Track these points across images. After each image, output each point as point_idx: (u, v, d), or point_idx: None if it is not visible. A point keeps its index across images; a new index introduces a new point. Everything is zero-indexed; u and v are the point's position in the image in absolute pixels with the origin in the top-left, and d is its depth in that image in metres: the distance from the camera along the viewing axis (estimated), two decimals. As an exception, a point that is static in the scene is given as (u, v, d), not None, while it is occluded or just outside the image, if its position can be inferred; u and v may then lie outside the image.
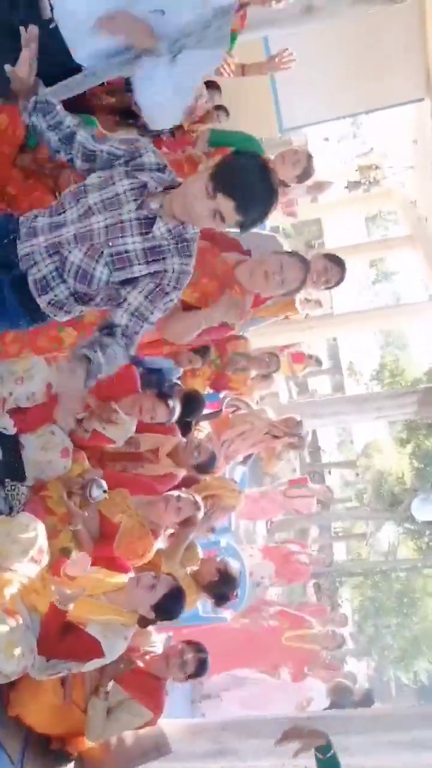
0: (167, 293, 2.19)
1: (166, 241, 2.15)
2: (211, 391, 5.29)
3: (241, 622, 6.34)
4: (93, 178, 2.20)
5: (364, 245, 15.78)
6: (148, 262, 2.15)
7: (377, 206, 18.16)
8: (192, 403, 4.48)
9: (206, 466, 4.48)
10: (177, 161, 3.80)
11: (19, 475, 3.38)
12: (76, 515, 3.37)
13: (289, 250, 3.22)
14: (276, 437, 5.59)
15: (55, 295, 2.22)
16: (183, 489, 3.98)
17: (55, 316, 2.28)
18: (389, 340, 26.33)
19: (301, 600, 10.52)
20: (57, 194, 3.09)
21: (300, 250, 4.75)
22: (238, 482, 5.63)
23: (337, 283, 3.90)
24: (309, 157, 3.97)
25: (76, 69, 2.54)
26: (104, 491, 3.44)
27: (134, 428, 3.96)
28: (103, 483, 3.44)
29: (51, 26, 2.43)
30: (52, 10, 2.43)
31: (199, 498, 3.80)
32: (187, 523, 3.77)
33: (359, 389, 19.26)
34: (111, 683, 3.34)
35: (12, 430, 3.37)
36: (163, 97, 2.50)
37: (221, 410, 5.51)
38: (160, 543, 3.86)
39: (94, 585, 3.10)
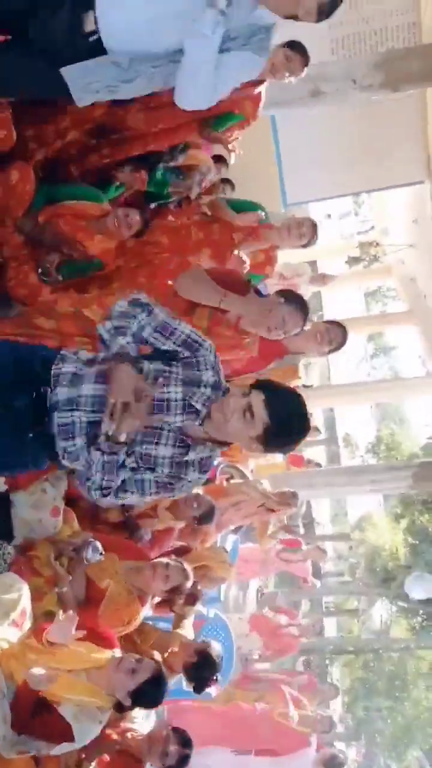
0: (173, 493, 2.28)
1: (191, 461, 2.22)
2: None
3: (227, 696, 6.11)
4: (148, 367, 2.18)
5: (363, 319, 16.03)
6: (171, 468, 2.20)
7: (377, 282, 18.52)
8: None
9: (206, 518, 4.42)
10: (185, 226, 3.90)
11: (6, 533, 3.32)
12: (62, 578, 3.29)
13: (287, 294, 3.19)
14: (270, 510, 5.53)
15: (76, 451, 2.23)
16: (174, 558, 3.91)
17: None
18: (386, 414, 26.39)
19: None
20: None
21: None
22: (230, 551, 5.53)
23: (340, 345, 3.92)
24: (314, 225, 4.06)
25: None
26: (100, 554, 3.37)
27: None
28: (99, 545, 3.38)
29: (92, 39, 2.45)
30: (96, 21, 2.43)
31: (188, 566, 3.73)
32: (175, 592, 3.69)
33: (355, 461, 19.18)
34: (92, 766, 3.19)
35: (2, 487, 3.33)
36: (204, 79, 2.52)
37: (215, 477, 5.46)
38: (147, 610, 3.77)
39: (74, 660, 2.98)
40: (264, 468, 7.71)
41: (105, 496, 2.23)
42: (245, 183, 5.85)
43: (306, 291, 8.26)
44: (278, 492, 5.67)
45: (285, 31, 7.79)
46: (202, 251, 3.63)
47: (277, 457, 9.65)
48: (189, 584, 3.71)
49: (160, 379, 2.15)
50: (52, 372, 2.24)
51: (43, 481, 3.42)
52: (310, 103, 5.51)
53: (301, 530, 15.34)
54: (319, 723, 6.55)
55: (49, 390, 2.21)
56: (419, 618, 15.52)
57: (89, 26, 2.40)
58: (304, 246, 4.19)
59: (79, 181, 3.56)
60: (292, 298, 3.11)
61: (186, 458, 2.19)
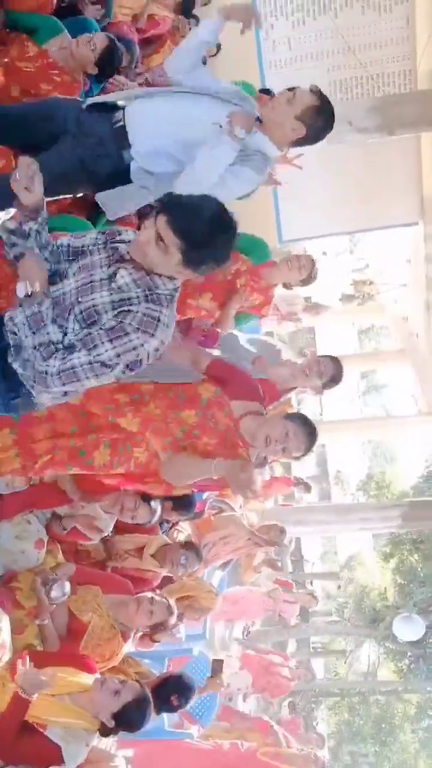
0: (127, 333, 2.11)
1: (133, 292, 2.14)
2: (195, 490, 5.22)
3: (208, 733, 5.97)
4: (73, 267, 2.26)
5: (355, 356, 16.11)
6: (115, 313, 2.13)
7: (370, 320, 18.65)
8: (182, 501, 4.39)
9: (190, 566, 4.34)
10: None
11: (-12, 564, 3.28)
12: (44, 609, 3.23)
13: (301, 416, 3.04)
14: (258, 545, 5.48)
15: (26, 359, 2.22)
16: (157, 590, 3.86)
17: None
18: (377, 452, 26.34)
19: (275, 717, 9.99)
20: None
21: (292, 356, 4.79)
22: (216, 587, 5.46)
23: (334, 379, 3.87)
24: (313, 262, 4.08)
25: (126, 171, 2.95)
26: (64, 594, 3.29)
27: (112, 526, 3.88)
28: (67, 585, 3.31)
29: (116, 125, 2.91)
30: (123, 115, 2.92)
31: (172, 602, 3.68)
32: (158, 628, 3.63)
33: (345, 498, 19.10)
34: None
35: (-14, 517, 3.30)
36: (201, 185, 2.70)
37: (203, 511, 5.42)
38: (129, 646, 3.70)
39: (58, 684, 2.93)
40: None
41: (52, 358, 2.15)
42: (242, 218, 5.89)
43: (300, 322, 8.32)
44: (266, 527, 5.62)
45: (286, 72, 7.91)
46: (203, 295, 3.64)
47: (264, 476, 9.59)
48: (173, 620, 3.66)
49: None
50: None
51: (28, 513, 3.39)
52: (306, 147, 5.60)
53: (290, 567, 15.21)
54: (309, 762, 6.37)
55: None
56: (407, 660, 15.31)
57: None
58: (304, 283, 4.21)
59: (69, 212, 3.57)
60: (300, 418, 2.96)
61: (123, 294, 2.12)
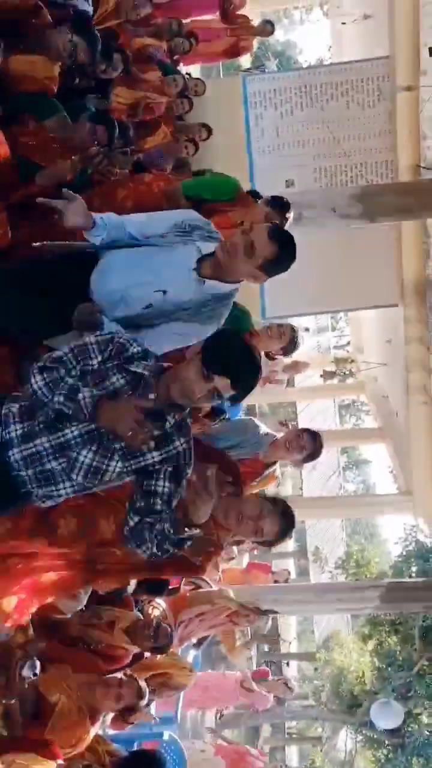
0: (185, 470, 2.34)
1: (170, 429, 2.29)
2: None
3: None
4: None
5: (336, 433, 16.15)
6: (159, 449, 2.26)
7: (351, 396, 18.84)
8: (155, 582, 4.32)
9: (163, 649, 4.27)
10: None
11: None
12: (14, 688, 3.13)
13: (278, 499, 3.06)
14: (235, 624, 5.38)
15: (57, 489, 2.28)
16: (128, 670, 3.76)
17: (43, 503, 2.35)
18: (357, 529, 26.14)
19: None
20: None
21: (273, 426, 4.82)
22: (191, 664, 5.31)
23: (313, 453, 3.88)
24: (293, 330, 4.15)
25: None
26: (35, 674, 3.20)
27: (85, 600, 3.80)
28: (37, 664, 3.22)
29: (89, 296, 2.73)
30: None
31: (143, 683, 3.58)
32: (128, 710, 3.51)
33: (323, 576, 18.80)
34: None
35: None
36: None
37: (179, 588, 5.32)
38: (98, 729, 3.57)
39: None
40: (227, 578, 7.54)
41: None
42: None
43: (281, 380, 8.38)
44: (245, 606, 5.52)
45: (274, 158, 8.21)
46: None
47: (242, 563, 9.47)
48: (143, 703, 3.55)
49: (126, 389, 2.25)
50: (2, 412, 2.27)
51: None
52: (291, 227, 5.79)
53: (266, 647, 14.83)
54: None
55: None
56: (385, 750, 14.78)
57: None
58: (285, 352, 4.26)
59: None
60: (278, 502, 2.96)
61: (166, 428, 2.26)
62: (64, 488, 2.27)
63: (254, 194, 4.16)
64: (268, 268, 2.67)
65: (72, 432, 2.22)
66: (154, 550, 2.27)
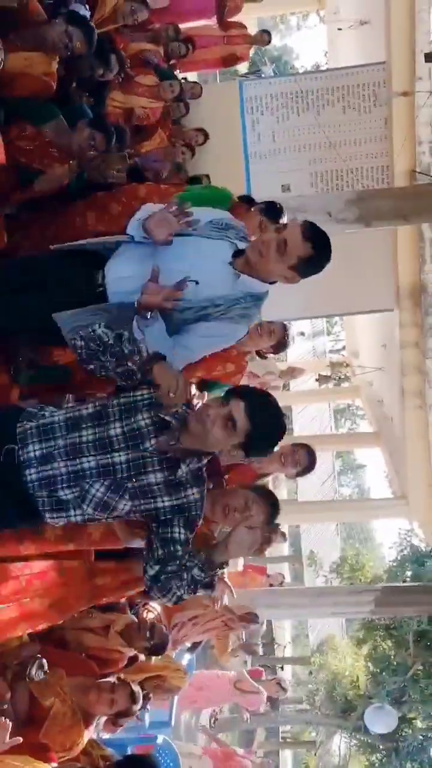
0: (196, 521, 2.31)
1: (185, 476, 2.27)
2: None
3: None
4: (114, 404, 2.30)
5: (331, 437, 16.18)
6: (170, 495, 2.26)
7: (346, 400, 18.88)
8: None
9: (158, 650, 4.23)
10: None
11: None
12: (3, 693, 3.12)
13: (262, 487, 3.08)
14: (228, 627, 5.37)
15: (68, 516, 2.29)
16: (121, 674, 3.75)
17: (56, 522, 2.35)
18: (352, 533, 26.17)
19: None
20: None
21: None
22: (185, 666, 5.30)
23: (307, 467, 3.89)
24: (284, 327, 4.14)
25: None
26: (45, 673, 3.21)
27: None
28: (45, 663, 3.22)
29: (99, 290, 2.64)
30: (103, 278, 2.64)
31: (137, 688, 3.57)
32: (121, 715, 3.51)
33: (318, 580, 18.80)
34: None
35: None
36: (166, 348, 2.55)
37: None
38: (92, 733, 3.56)
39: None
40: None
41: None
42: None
43: (277, 387, 8.40)
44: (238, 608, 5.52)
45: (270, 163, 8.24)
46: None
47: (238, 565, 9.46)
48: (136, 707, 3.54)
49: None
50: (18, 430, 2.27)
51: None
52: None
53: (261, 651, 14.81)
54: None
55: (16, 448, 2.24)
56: (379, 755, 14.76)
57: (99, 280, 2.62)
58: (276, 350, 4.25)
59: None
60: (260, 489, 2.97)
61: (178, 475, 2.23)
62: (74, 515, 2.27)
63: (248, 199, 4.15)
64: (301, 269, 2.55)
65: (89, 462, 2.22)
66: (184, 596, 2.28)
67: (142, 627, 4.16)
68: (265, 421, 2.19)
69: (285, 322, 4.30)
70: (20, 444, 2.25)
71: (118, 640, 4.08)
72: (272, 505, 2.84)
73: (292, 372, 8.15)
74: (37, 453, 2.24)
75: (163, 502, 2.25)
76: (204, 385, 3.54)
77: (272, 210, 3.71)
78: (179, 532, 2.27)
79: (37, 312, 2.61)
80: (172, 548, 2.27)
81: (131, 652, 4.15)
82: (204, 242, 2.59)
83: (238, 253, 2.60)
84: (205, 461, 2.31)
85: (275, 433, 2.29)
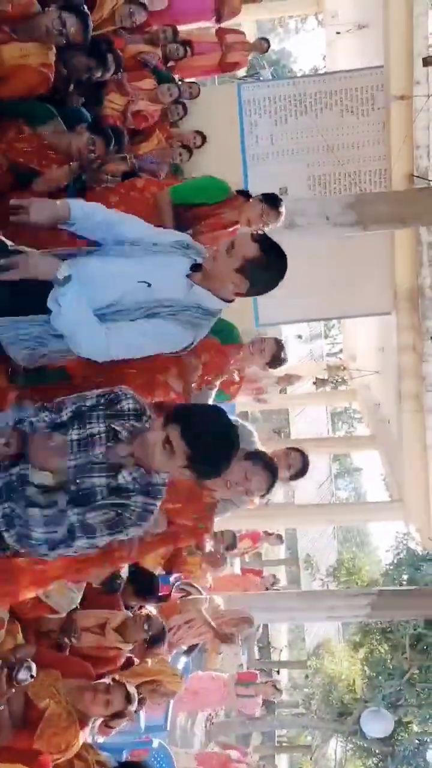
0: (126, 527, 2.21)
1: (131, 485, 2.22)
2: (162, 572, 5.13)
3: None
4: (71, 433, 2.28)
5: (328, 440, 16.17)
6: (113, 503, 2.21)
7: (343, 403, 18.87)
8: (145, 583, 4.32)
9: (157, 641, 4.28)
10: None
11: None
12: (2, 694, 3.10)
13: (255, 452, 3.08)
14: (215, 635, 5.38)
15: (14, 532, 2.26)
16: (117, 675, 3.74)
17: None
18: (348, 536, 26.15)
19: None
20: None
21: (267, 435, 4.84)
22: (181, 670, 5.30)
23: (300, 471, 3.90)
24: (278, 343, 4.14)
25: None
26: (32, 676, 3.19)
27: (79, 598, 3.78)
28: (33, 666, 3.20)
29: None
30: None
31: (132, 688, 3.56)
32: (117, 716, 3.50)
33: (315, 583, 18.79)
34: None
35: None
36: (98, 339, 2.50)
37: (170, 594, 5.31)
38: (87, 734, 3.55)
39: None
40: (221, 584, 7.53)
41: (54, 549, 2.21)
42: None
43: (273, 393, 8.40)
44: (233, 613, 5.52)
45: (268, 166, 8.26)
46: (169, 370, 3.67)
47: (235, 569, 9.46)
48: (132, 709, 3.53)
49: None
50: None
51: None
52: (285, 234, 5.81)
53: (257, 655, 14.79)
54: None
55: None
56: (375, 759, 14.74)
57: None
58: (270, 366, 4.26)
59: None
60: (257, 457, 2.99)
61: (119, 482, 2.18)
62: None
63: (245, 193, 4.18)
64: (249, 272, 2.51)
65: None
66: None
67: (138, 619, 4.17)
68: (205, 443, 2.12)
69: (278, 339, 4.32)
70: None
71: (116, 636, 4.09)
72: (270, 472, 2.89)
73: (289, 379, 8.15)
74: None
75: (105, 501, 2.21)
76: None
77: (272, 198, 3.76)
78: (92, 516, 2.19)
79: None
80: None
81: (129, 647, 4.18)
82: (164, 256, 2.60)
83: (196, 267, 2.60)
84: (158, 479, 2.25)
85: (218, 455, 2.18)
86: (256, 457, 2.96)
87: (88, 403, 2.31)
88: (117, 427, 2.24)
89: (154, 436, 2.15)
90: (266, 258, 2.51)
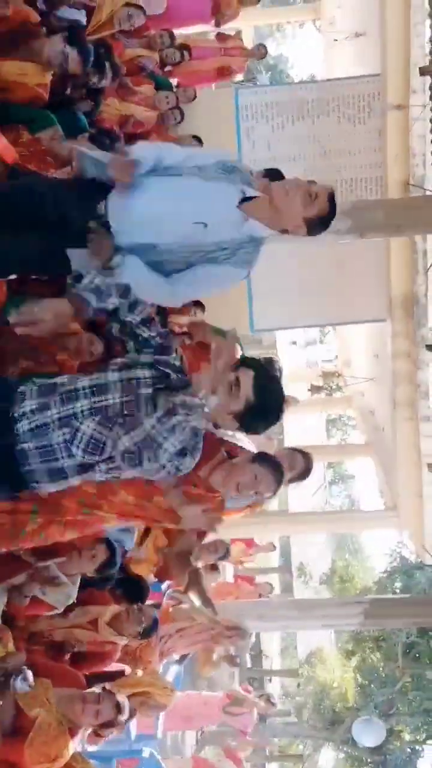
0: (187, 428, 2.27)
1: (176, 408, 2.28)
2: (155, 580, 5.08)
3: None
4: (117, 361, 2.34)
5: (322, 448, 16.15)
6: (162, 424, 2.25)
7: (338, 410, 18.88)
8: (135, 590, 4.30)
9: (149, 632, 4.29)
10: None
11: None
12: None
13: (264, 455, 3.11)
14: (217, 639, 5.34)
15: (59, 466, 2.25)
16: (108, 686, 3.70)
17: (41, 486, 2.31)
18: (342, 544, 26.12)
19: None
20: None
21: (260, 441, 4.82)
22: (172, 681, 5.26)
23: (302, 473, 3.84)
24: (272, 362, 4.14)
25: None
26: (30, 686, 3.15)
27: (76, 593, 3.75)
28: (30, 675, 3.17)
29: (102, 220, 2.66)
30: (105, 207, 2.66)
31: (122, 698, 3.52)
32: (106, 726, 3.46)
33: (308, 592, 18.76)
34: None
35: None
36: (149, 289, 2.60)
37: (161, 603, 5.27)
38: (77, 744, 3.51)
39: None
40: (217, 590, 7.49)
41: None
42: (215, 307, 6.04)
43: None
44: (227, 622, 5.48)
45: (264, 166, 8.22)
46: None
47: (227, 575, 9.42)
48: (123, 718, 3.49)
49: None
50: (20, 389, 2.29)
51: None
52: (280, 240, 5.80)
53: (249, 663, 14.73)
54: None
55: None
56: (366, 767, 14.70)
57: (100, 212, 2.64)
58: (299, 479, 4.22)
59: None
60: (265, 459, 3.03)
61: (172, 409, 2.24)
62: (62, 463, 2.25)
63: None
64: (313, 225, 2.63)
65: (82, 405, 2.23)
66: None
67: (130, 612, 4.19)
68: (269, 397, 2.23)
69: (274, 358, 4.31)
70: (18, 401, 2.26)
71: (109, 630, 4.10)
72: (278, 473, 2.94)
73: (285, 402, 8.17)
74: (34, 406, 2.25)
75: (152, 426, 2.24)
76: None
77: (274, 173, 3.76)
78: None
79: (38, 250, 2.67)
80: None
81: (124, 641, 4.19)
82: (213, 185, 2.63)
83: (247, 199, 2.65)
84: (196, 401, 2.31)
85: (274, 413, 2.30)
86: (264, 458, 3.00)
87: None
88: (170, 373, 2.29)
89: (224, 377, 2.21)
90: (330, 216, 2.66)
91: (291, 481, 3.85)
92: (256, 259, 2.75)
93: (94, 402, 2.23)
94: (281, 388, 2.32)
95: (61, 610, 3.73)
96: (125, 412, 2.22)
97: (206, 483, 2.85)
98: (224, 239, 2.61)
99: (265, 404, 2.24)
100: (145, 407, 2.24)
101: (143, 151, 2.71)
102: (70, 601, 3.72)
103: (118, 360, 2.37)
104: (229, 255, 2.62)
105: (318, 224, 2.65)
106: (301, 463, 3.80)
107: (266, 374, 2.26)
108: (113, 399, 2.24)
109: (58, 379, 2.32)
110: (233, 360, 2.34)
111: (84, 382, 2.27)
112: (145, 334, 2.33)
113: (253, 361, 2.35)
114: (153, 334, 2.33)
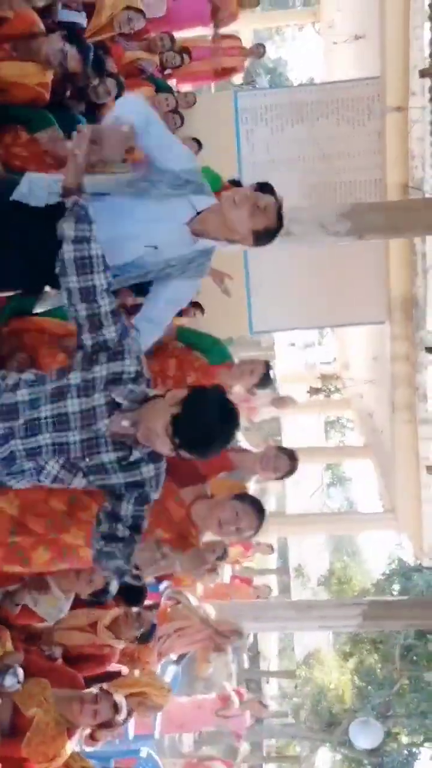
0: (151, 495, 2.32)
1: (140, 455, 2.26)
2: (153, 580, 5.10)
3: None
4: (76, 378, 2.27)
5: (320, 450, 16.17)
6: (125, 472, 2.27)
7: (336, 412, 18.88)
8: (133, 593, 4.31)
9: (147, 637, 4.34)
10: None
11: None
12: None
13: (248, 495, 3.18)
14: (213, 641, 5.35)
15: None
16: (106, 686, 3.71)
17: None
18: (339, 546, 26.09)
19: None
20: None
21: (258, 443, 4.84)
22: (170, 683, 5.26)
23: (286, 474, 3.90)
24: (266, 364, 4.15)
25: None
26: (19, 682, 3.15)
27: (68, 608, 3.75)
28: (20, 672, 3.17)
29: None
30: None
31: (120, 698, 3.53)
32: (104, 726, 3.47)
33: (305, 593, 18.76)
34: None
35: None
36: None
37: (159, 603, 5.28)
38: (75, 744, 3.51)
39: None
40: (210, 592, 7.48)
41: None
42: (215, 308, 6.05)
43: (265, 413, 8.42)
44: (224, 623, 5.49)
45: (263, 174, 8.27)
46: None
47: (225, 577, 9.41)
48: (120, 718, 3.50)
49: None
50: None
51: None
52: (280, 242, 5.81)
53: (246, 664, 14.73)
54: None
55: None
56: (363, 770, 14.69)
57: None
58: (259, 387, 4.25)
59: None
60: (246, 498, 3.08)
61: (132, 458, 2.24)
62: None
63: (237, 183, 4.17)
64: (260, 236, 2.60)
65: (45, 440, 2.23)
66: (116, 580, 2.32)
67: (129, 616, 4.21)
68: (197, 432, 2.14)
69: (267, 361, 4.32)
70: None
71: (108, 634, 4.11)
72: (260, 512, 2.98)
73: (283, 401, 8.19)
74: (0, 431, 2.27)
75: (117, 478, 2.27)
76: None
77: (266, 187, 3.75)
78: (126, 509, 2.28)
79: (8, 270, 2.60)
80: (114, 526, 2.28)
81: (122, 645, 4.21)
82: (162, 204, 2.58)
83: (196, 213, 2.62)
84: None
85: (209, 441, 2.20)
86: (244, 497, 3.07)
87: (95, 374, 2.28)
88: (121, 400, 2.22)
89: (159, 422, 2.14)
90: (278, 228, 2.62)
91: (278, 479, 3.93)
92: (208, 267, 2.77)
93: (56, 437, 2.23)
94: (214, 409, 2.19)
95: (51, 623, 3.72)
96: (86, 457, 2.23)
97: (188, 513, 2.88)
98: (174, 257, 2.62)
99: (191, 432, 2.13)
100: (105, 446, 2.23)
101: (131, 105, 2.62)
102: (62, 615, 3.71)
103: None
104: (181, 270, 2.64)
105: (264, 236, 2.62)
106: (287, 465, 3.84)
107: (192, 408, 2.15)
108: (73, 437, 2.23)
109: (20, 396, 2.27)
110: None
111: (46, 410, 2.24)
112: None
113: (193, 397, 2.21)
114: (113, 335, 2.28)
